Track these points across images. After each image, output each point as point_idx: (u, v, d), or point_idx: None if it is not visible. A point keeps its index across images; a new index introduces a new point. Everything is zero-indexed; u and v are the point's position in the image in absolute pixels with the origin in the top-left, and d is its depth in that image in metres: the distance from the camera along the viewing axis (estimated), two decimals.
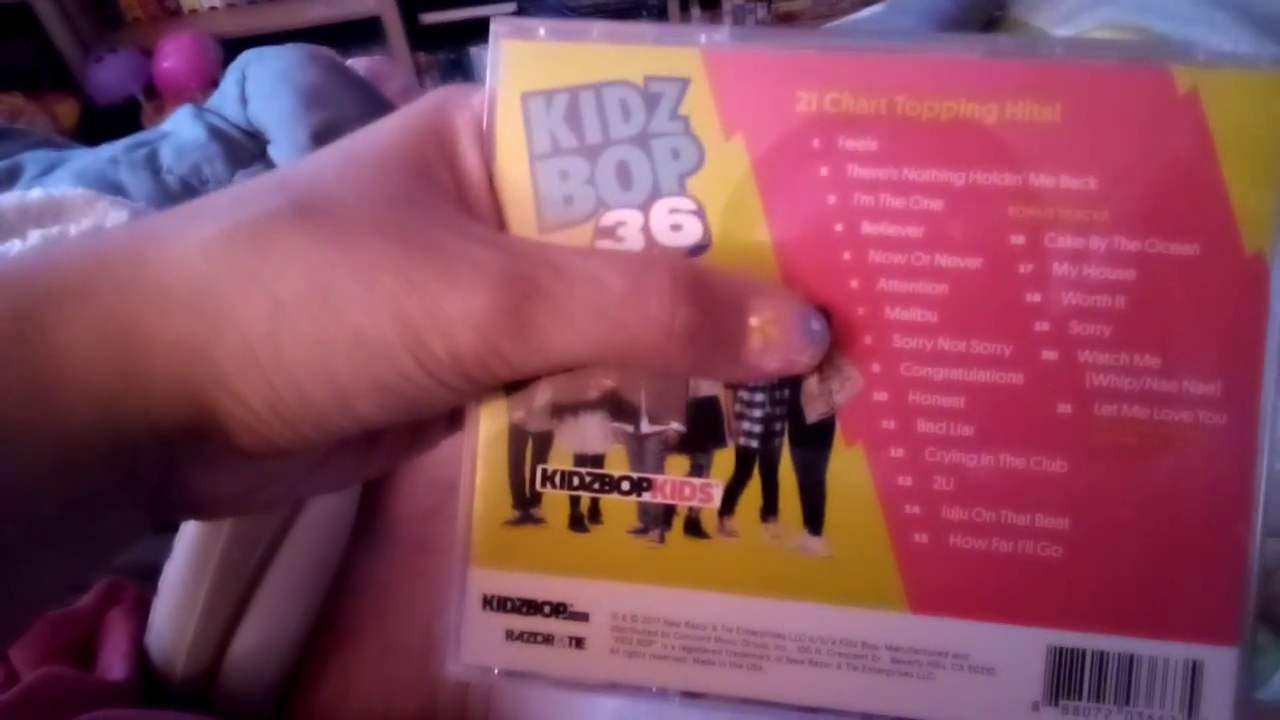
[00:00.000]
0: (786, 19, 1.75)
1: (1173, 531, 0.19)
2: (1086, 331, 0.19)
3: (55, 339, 0.16)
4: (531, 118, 0.19)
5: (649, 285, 0.17)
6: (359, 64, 0.84)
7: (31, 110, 1.60)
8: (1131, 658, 0.19)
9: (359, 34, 1.78)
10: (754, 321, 0.18)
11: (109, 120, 1.65)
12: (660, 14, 1.79)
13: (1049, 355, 0.19)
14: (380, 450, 0.22)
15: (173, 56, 1.69)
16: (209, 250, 0.17)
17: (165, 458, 0.18)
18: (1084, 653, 0.19)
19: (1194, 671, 0.19)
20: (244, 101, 0.73)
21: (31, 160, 0.67)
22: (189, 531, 0.31)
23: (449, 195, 0.19)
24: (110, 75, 1.73)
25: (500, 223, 0.20)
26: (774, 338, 0.18)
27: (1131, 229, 0.18)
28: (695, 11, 1.81)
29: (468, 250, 0.17)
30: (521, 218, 0.20)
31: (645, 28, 0.20)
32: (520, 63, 0.20)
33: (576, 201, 0.19)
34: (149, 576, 0.31)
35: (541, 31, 0.19)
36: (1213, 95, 0.18)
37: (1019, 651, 0.19)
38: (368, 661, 0.32)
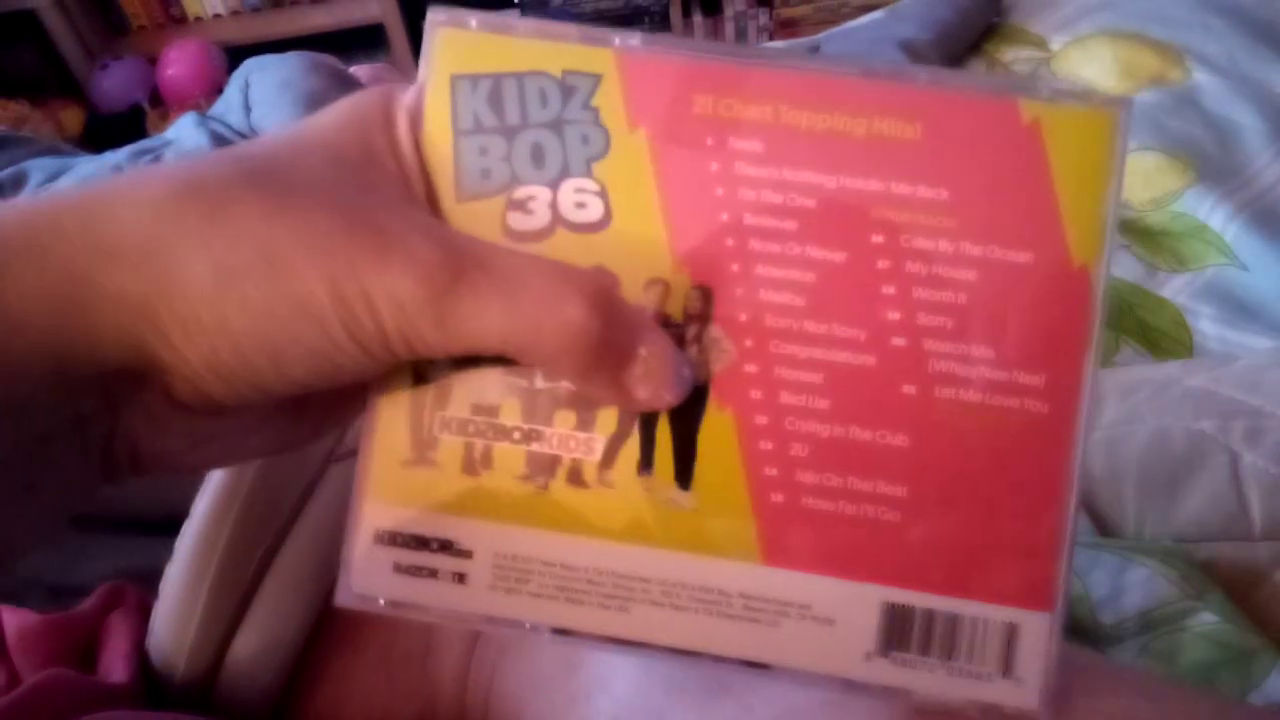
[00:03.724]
0: (788, 25, 1.79)
1: (997, 504, 0.21)
2: (932, 323, 0.21)
3: (1, 290, 0.17)
4: (458, 97, 0.22)
5: (566, 292, 0.19)
6: (362, 71, 0.85)
7: (37, 117, 1.61)
8: (956, 617, 0.21)
9: (362, 41, 1.81)
10: (642, 351, 0.20)
11: (114, 127, 1.67)
12: (662, 19, 1.81)
13: (898, 341, 0.21)
14: (309, 416, 0.24)
15: (177, 64, 1.72)
16: (160, 210, 0.18)
17: (110, 402, 0.19)
18: (914, 609, 0.21)
19: (1010, 633, 0.21)
20: (247, 109, 0.75)
21: (37, 167, 0.67)
22: (190, 534, 0.31)
23: (393, 180, 0.21)
24: (115, 82, 1.75)
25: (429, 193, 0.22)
26: (653, 370, 0.20)
27: (975, 236, 0.21)
28: (697, 18, 1.83)
29: (405, 236, 0.19)
30: (443, 187, 0.22)
31: (569, 27, 0.22)
32: (453, 48, 0.22)
33: (493, 175, 0.22)
34: (151, 580, 0.31)
35: (474, 23, 0.22)
36: (1052, 126, 0.21)
37: (857, 605, 0.21)
38: (367, 665, 0.33)
